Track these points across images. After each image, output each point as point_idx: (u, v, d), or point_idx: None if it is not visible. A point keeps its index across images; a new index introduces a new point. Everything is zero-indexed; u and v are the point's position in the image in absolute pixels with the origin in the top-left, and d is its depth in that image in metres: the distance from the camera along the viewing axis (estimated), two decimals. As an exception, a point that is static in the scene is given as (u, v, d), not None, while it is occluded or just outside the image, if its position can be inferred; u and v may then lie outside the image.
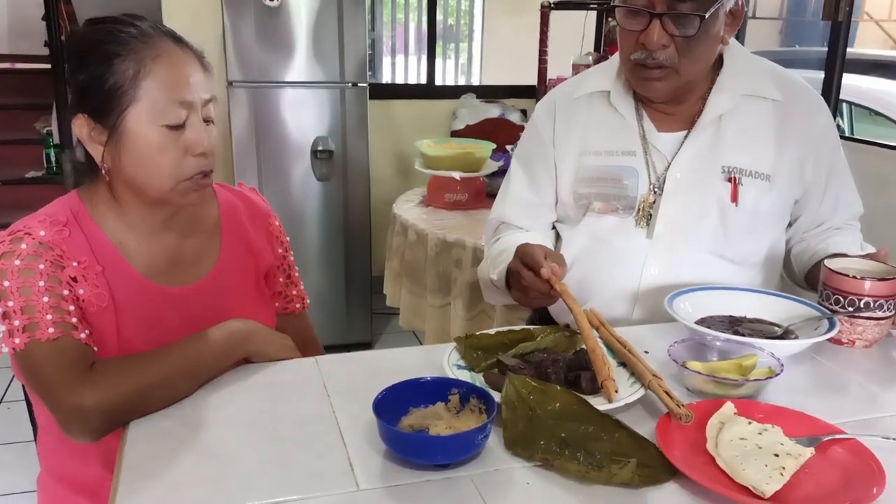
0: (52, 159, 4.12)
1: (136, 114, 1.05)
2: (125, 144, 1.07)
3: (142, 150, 1.07)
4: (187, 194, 1.11)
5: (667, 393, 0.95)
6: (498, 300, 1.52)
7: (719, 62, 1.41)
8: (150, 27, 1.09)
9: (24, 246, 1.04)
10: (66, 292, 1.05)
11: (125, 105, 1.05)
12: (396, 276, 2.73)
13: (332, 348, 1.38)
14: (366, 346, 3.47)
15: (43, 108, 4.30)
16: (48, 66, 3.88)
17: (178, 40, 1.10)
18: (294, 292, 1.36)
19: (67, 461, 1.16)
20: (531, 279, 1.22)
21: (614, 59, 1.46)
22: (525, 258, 1.24)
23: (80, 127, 1.08)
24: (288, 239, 1.35)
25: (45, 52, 3.99)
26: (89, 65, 1.06)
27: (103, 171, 1.10)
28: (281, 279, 1.33)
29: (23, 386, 1.22)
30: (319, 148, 3.23)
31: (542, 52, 3.48)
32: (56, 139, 3.97)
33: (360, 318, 3.46)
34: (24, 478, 2.38)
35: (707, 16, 1.26)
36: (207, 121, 1.11)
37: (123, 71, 1.04)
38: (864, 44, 7.03)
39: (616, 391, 0.98)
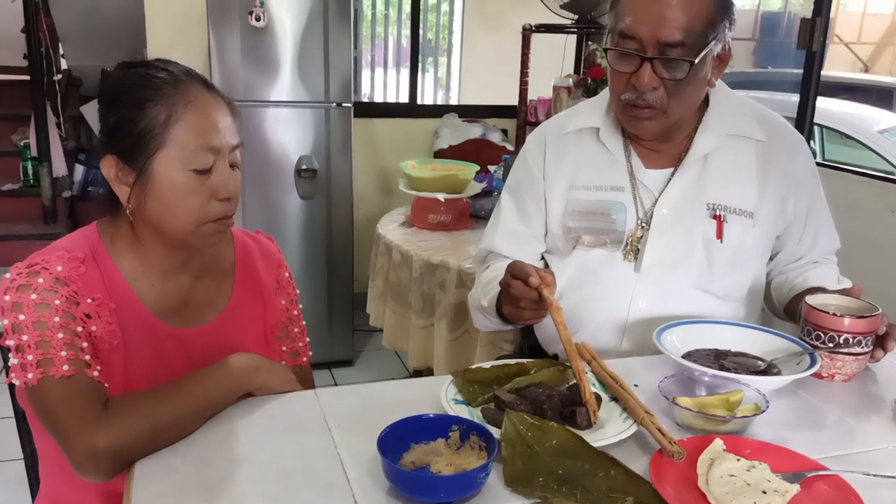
0: (30, 172, 4.07)
1: (165, 158, 1.07)
2: (151, 187, 1.09)
3: (167, 193, 1.08)
4: (209, 237, 1.14)
5: (659, 430, 0.99)
6: (488, 326, 1.54)
7: (705, 102, 1.46)
8: (181, 72, 1.11)
9: (40, 280, 1.05)
10: (80, 328, 1.06)
11: (154, 149, 1.07)
12: (380, 295, 2.75)
13: (314, 366, 1.39)
14: (347, 363, 3.49)
15: (20, 119, 4.25)
16: (27, 77, 3.85)
17: (208, 86, 1.13)
18: (300, 345, 1.35)
19: (65, 491, 1.17)
20: (520, 288, 1.23)
21: (603, 96, 1.51)
22: (515, 270, 1.25)
23: (108, 168, 1.10)
24: (297, 292, 1.35)
25: (24, 63, 3.96)
26: (121, 108, 1.08)
27: (128, 212, 1.11)
28: (281, 332, 1.31)
29: (13, 404, 1.22)
30: (303, 167, 3.24)
31: (524, 74, 3.53)
32: (34, 151, 3.93)
33: (342, 335, 3.47)
34: (9, 497, 2.35)
35: (696, 61, 1.31)
36: (233, 165, 1.13)
37: (154, 116, 1.07)
38: (833, 66, 7.21)
39: (597, 410, 1.04)
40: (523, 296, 1.24)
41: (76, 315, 1.06)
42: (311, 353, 1.38)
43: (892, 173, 4.00)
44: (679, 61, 1.31)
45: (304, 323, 1.36)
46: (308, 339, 1.38)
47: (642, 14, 1.31)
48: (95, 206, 1.18)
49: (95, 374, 1.04)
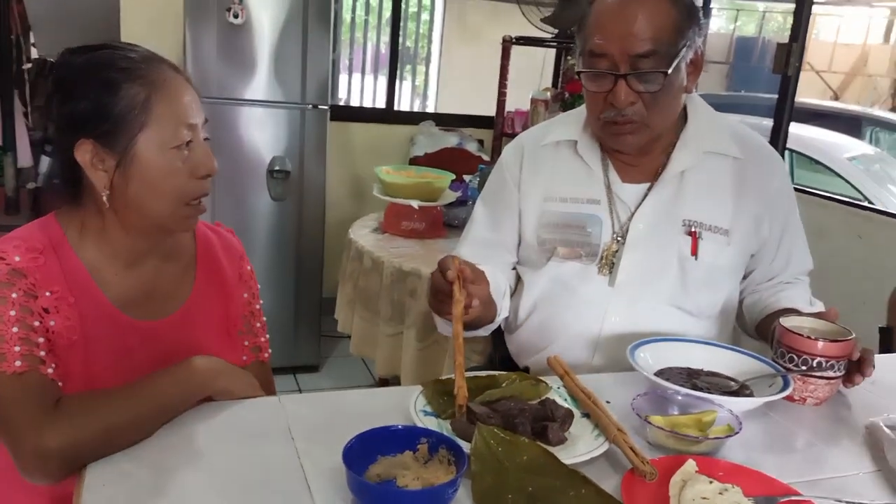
0: (-7, 161, 3.96)
1: (147, 138, 1.05)
2: (134, 169, 1.06)
3: (151, 174, 1.07)
4: (185, 220, 1.13)
5: (632, 448, 0.97)
6: (446, 330, 1.51)
7: (684, 118, 1.46)
8: (147, 53, 1.10)
9: None
10: (36, 323, 1.02)
11: (136, 130, 1.05)
12: (349, 301, 2.71)
13: (279, 370, 1.36)
14: (313, 368, 3.44)
15: (-15, 108, 4.14)
16: (-6, 65, 3.74)
17: (172, 65, 1.12)
18: (262, 340, 1.32)
19: (13, 493, 1.11)
20: (437, 279, 1.20)
21: (581, 109, 1.49)
22: (441, 263, 1.21)
23: (84, 153, 1.06)
24: (258, 286, 1.33)
25: (-8, 51, 3.85)
26: (90, 91, 1.05)
27: (104, 198, 1.07)
28: (243, 326, 1.29)
29: None
30: (276, 168, 3.20)
31: (502, 85, 3.53)
32: (-1, 141, 3.83)
33: (309, 340, 3.42)
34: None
35: (669, 71, 1.30)
36: (206, 139, 1.13)
37: (133, 96, 1.05)
38: (804, 93, 7.33)
39: (464, 399, 1.02)
40: (439, 288, 1.20)
41: (33, 309, 1.02)
42: (270, 351, 1.34)
43: (860, 200, 4.07)
44: (652, 73, 1.30)
45: (264, 319, 1.34)
46: (269, 336, 1.35)
47: (610, 31, 1.31)
48: (59, 196, 1.13)
49: (50, 371, 1.00)
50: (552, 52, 3.91)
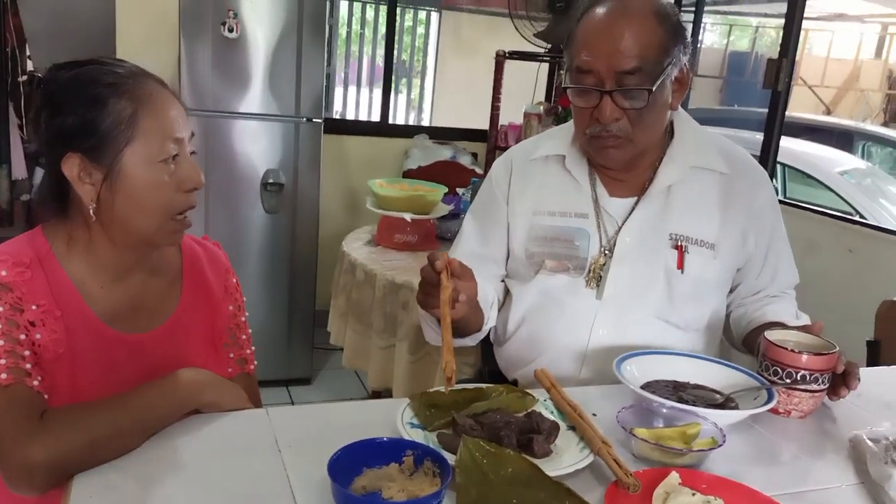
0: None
1: (133, 153, 1.07)
2: (121, 183, 1.07)
3: (138, 188, 1.08)
4: (171, 235, 1.14)
5: (615, 461, 0.98)
6: (433, 338, 1.52)
7: (670, 133, 1.48)
8: (134, 68, 1.11)
9: None
10: (22, 336, 1.02)
11: (123, 144, 1.06)
12: (342, 314, 2.72)
13: (271, 383, 1.36)
14: (305, 381, 3.43)
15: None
16: (-10, 77, 3.76)
17: (158, 80, 1.13)
18: (248, 352, 1.32)
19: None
20: (426, 270, 1.20)
21: (570, 124, 1.51)
22: (429, 256, 1.21)
23: (72, 168, 1.07)
24: (244, 299, 1.34)
25: (-12, 63, 3.87)
26: (77, 106, 1.06)
27: (91, 211, 1.08)
28: (228, 339, 1.29)
29: None
30: (270, 181, 3.21)
31: (496, 99, 3.56)
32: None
33: (302, 353, 3.42)
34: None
35: (654, 88, 1.32)
36: (192, 153, 1.14)
37: (120, 111, 1.06)
38: (797, 108, 7.39)
39: (452, 373, 1.05)
40: (427, 279, 1.20)
41: (19, 323, 1.03)
42: (256, 363, 1.35)
43: (850, 214, 4.09)
44: (638, 90, 1.32)
45: (249, 331, 1.34)
46: (262, 350, 1.35)
47: (596, 48, 1.32)
48: (47, 209, 1.14)
49: (35, 383, 1.01)
50: (546, 66, 3.94)
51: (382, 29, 4.69)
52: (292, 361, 3.39)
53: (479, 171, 3.80)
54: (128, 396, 1.02)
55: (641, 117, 1.35)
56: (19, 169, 3.93)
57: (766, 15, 9.51)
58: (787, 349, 1.22)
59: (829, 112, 8.82)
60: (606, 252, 1.45)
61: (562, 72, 3.83)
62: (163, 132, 1.08)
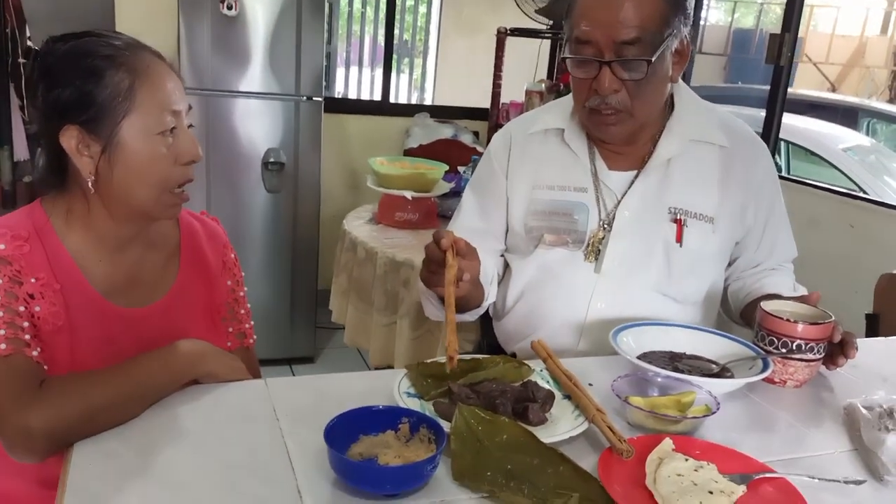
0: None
1: (131, 124, 1.07)
2: (119, 155, 1.07)
3: (136, 160, 1.08)
4: (169, 208, 1.14)
5: (609, 428, 0.99)
6: (434, 314, 1.53)
7: (670, 107, 1.47)
8: (130, 40, 1.11)
9: None
10: (21, 308, 1.03)
11: (121, 116, 1.06)
12: (343, 292, 2.73)
13: (274, 362, 1.37)
14: (308, 360, 3.45)
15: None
16: (-10, 57, 3.75)
17: (155, 52, 1.13)
18: (247, 326, 1.33)
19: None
20: (431, 248, 1.19)
21: (569, 98, 1.51)
22: (435, 234, 1.21)
23: (70, 139, 1.07)
24: (242, 274, 1.34)
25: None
26: (75, 78, 1.06)
27: (89, 184, 1.09)
28: (227, 313, 1.30)
29: None
30: (271, 160, 3.21)
31: (497, 77, 3.54)
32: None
33: (304, 332, 3.44)
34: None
35: (654, 59, 1.31)
36: (190, 126, 1.15)
37: (117, 83, 1.06)
38: (802, 85, 7.35)
39: (455, 352, 1.05)
40: (432, 257, 1.20)
41: (18, 295, 1.04)
42: (255, 337, 1.36)
43: (854, 191, 4.08)
44: (637, 61, 1.31)
45: (248, 306, 1.35)
46: (264, 327, 1.36)
47: (595, 18, 1.32)
48: (45, 183, 1.14)
49: (35, 354, 1.02)
50: (547, 43, 3.91)
51: (384, 8, 4.66)
52: (295, 340, 3.41)
53: (480, 149, 3.79)
54: (126, 366, 1.03)
55: (640, 89, 1.34)
56: (21, 150, 3.94)
57: (770, -9, 9.43)
58: (782, 319, 1.23)
59: (834, 89, 8.76)
60: (605, 226, 1.45)
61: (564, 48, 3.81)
62: (160, 104, 1.09)
